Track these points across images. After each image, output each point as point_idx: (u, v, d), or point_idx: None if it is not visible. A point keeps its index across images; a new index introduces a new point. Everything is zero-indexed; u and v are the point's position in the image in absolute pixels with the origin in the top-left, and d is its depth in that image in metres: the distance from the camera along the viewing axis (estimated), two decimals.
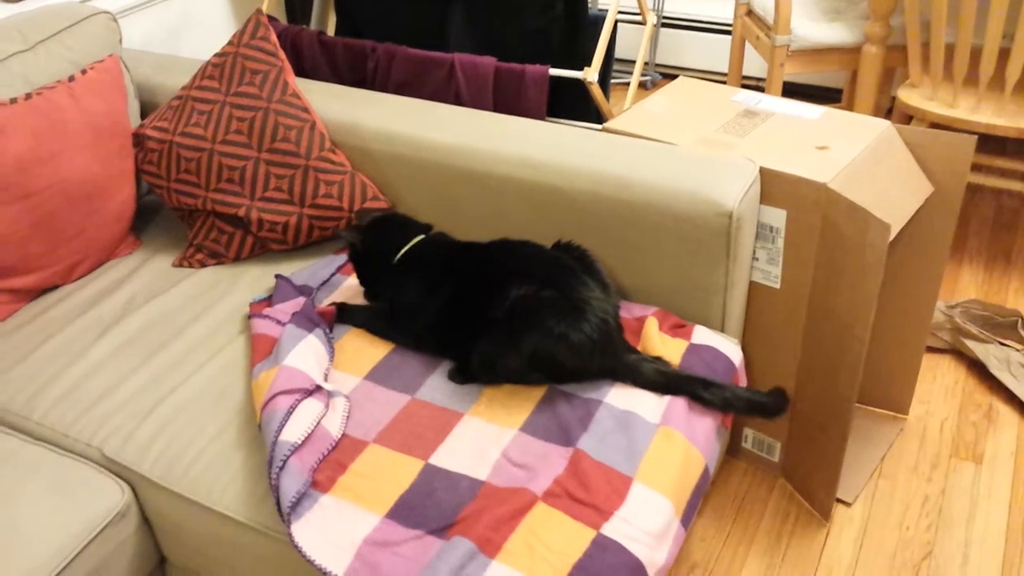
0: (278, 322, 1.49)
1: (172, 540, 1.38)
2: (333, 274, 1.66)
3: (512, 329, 1.34)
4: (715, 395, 1.36)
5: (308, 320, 1.46)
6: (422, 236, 1.52)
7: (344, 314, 1.53)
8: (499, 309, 1.35)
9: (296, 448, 1.22)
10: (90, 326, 1.58)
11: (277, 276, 1.63)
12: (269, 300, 1.58)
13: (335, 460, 1.26)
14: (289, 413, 1.26)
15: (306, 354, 1.38)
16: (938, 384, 2.05)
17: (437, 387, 1.39)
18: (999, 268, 2.41)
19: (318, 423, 1.28)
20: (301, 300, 1.55)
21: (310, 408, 1.29)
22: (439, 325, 1.44)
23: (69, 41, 1.79)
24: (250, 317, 1.54)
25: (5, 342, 1.57)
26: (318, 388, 1.33)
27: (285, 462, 1.20)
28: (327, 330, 1.47)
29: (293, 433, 1.24)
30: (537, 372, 1.36)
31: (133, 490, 1.36)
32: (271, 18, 2.04)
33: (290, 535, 1.15)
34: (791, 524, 1.73)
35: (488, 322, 1.36)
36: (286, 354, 1.37)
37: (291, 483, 1.19)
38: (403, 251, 1.49)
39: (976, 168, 2.61)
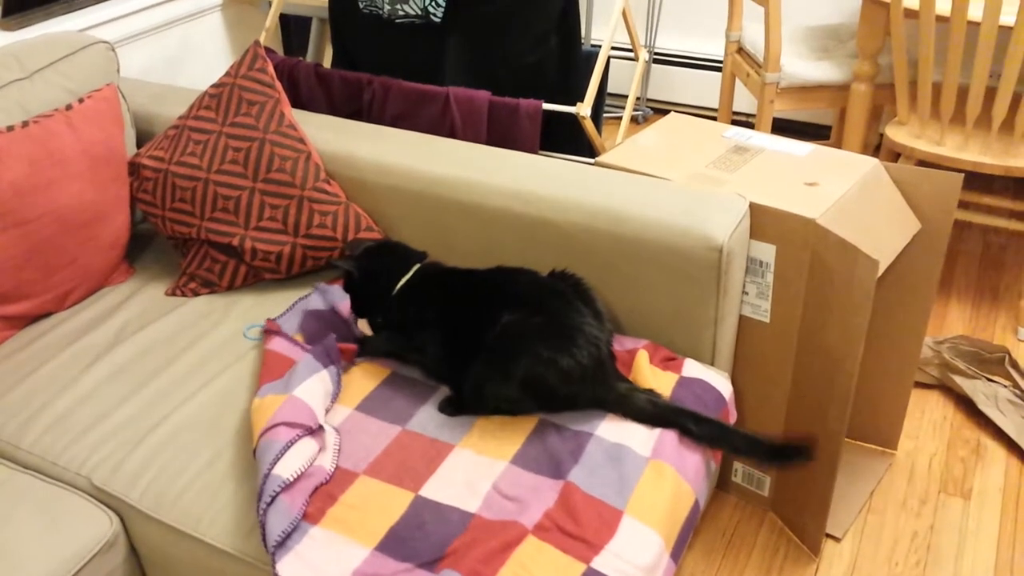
0: (294, 343, 1.49)
1: (160, 570, 1.37)
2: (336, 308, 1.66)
3: (502, 355, 1.35)
4: (704, 431, 1.37)
5: (327, 355, 1.45)
6: (418, 265, 1.52)
7: (366, 347, 1.53)
8: (490, 335, 1.36)
9: (287, 485, 1.22)
10: (82, 354, 1.58)
11: (299, 300, 1.65)
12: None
13: (325, 491, 1.25)
14: (287, 447, 1.26)
15: (316, 389, 1.38)
16: (926, 419, 2.06)
17: (428, 418, 1.39)
18: (986, 304, 2.44)
19: (311, 463, 1.27)
20: (324, 314, 1.57)
21: (307, 446, 1.28)
22: (440, 354, 1.45)
23: (67, 70, 1.81)
24: (265, 332, 1.54)
25: None
26: (319, 428, 1.33)
27: (275, 498, 1.20)
28: (340, 369, 1.47)
29: (287, 469, 1.23)
30: (528, 399, 1.37)
31: (121, 519, 1.35)
32: (268, 50, 2.06)
33: (275, 573, 1.15)
34: (780, 559, 1.73)
35: (479, 349, 1.37)
36: (298, 384, 1.37)
37: (278, 521, 1.18)
38: (403, 281, 1.49)
39: (963, 205, 2.64)
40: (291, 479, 1.22)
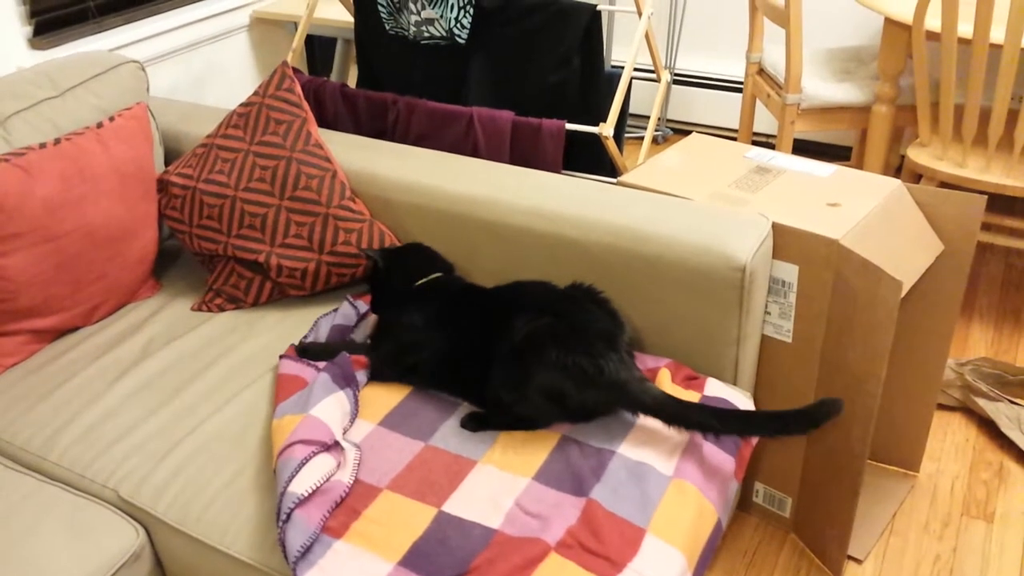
0: (308, 364, 1.51)
1: None
2: (358, 322, 1.68)
3: (520, 363, 1.36)
4: (730, 425, 1.34)
5: (343, 376, 1.47)
6: (440, 273, 1.56)
7: (371, 371, 1.54)
8: (506, 345, 1.37)
9: (302, 501, 1.23)
10: (109, 368, 1.60)
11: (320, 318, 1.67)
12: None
13: (349, 506, 1.26)
14: (302, 464, 1.27)
15: (333, 408, 1.39)
16: (949, 442, 2.05)
17: (451, 433, 1.40)
18: (1008, 326, 2.42)
19: (328, 479, 1.28)
20: (346, 329, 1.62)
21: (323, 462, 1.29)
22: (445, 362, 1.46)
23: (98, 88, 1.84)
24: (281, 358, 1.56)
25: (25, 382, 1.59)
26: (336, 444, 1.34)
27: (290, 514, 1.21)
28: (357, 389, 1.47)
29: (301, 485, 1.24)
30: (549, 405, 1.37)
31: (147, 532, 1.37)
32: (295, 70, 2.09)
33: None
34: None
35: (496, 360, 1.38)
36: (315, 403, 1.38)
37: (296, 536, 1.19)
38: (424, 280, 1.53)
39: (985, 227, 2.63)
40: (305, 495, 1.23)
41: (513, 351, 1.37)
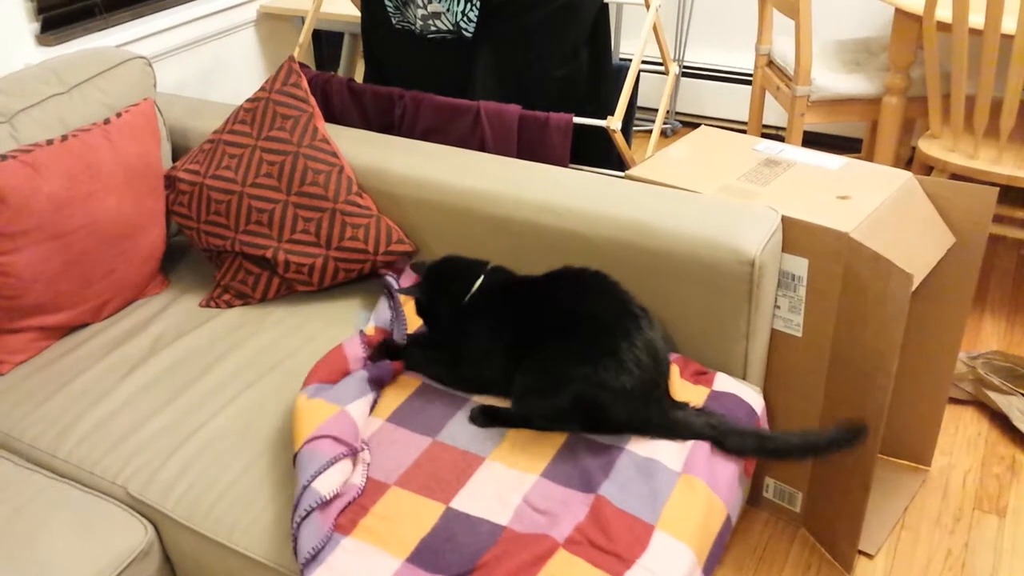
0: (364, 355, 1.50)
1: None
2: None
3: (557, 370, 1.34)
4: (769, 445, 1.36)
5: (376, 382, 1.46)
6: (482, 276, 1.49)
7: (408, 362, 1.52)
8: (546, 352, 1.36)
9: (324, 504, 1.22)
10: (117, 365, 1.61)
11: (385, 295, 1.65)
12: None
13: (357, 502, 1.26)
14: (330, 463, 1.26)
15: (363, 410, 1.39)
16: (960, 436, 2.03)
17: (459, 430, 1.40)
18: (1021, 319, 2.40)
19: (346, 482, 1.28)
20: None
21: (347, 467, 1.29)
22: (503, 365, 1.43)
23: (105, 85, 1.84)
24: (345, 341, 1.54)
25: (33, 379, 1.59)
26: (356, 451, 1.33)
27: (309, 513, 1.21)
28: (377, 396, 1.46)
29: (326, 486, 1.23)
30: (576, 418, 1.35)
31: (156, 528, 1.37)
32: (302, 65, 2.08)
33: None
34: None
35: (534, 364, 1.37)
36: (351, 400, 1.37)
37: (311, 536, 1.19)
38: (471, 293, 1.47)
39: (997, 219, 2.61)
40: (327, 497, 1.22)
41: (557, 356, 1.34)
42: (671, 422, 1.36)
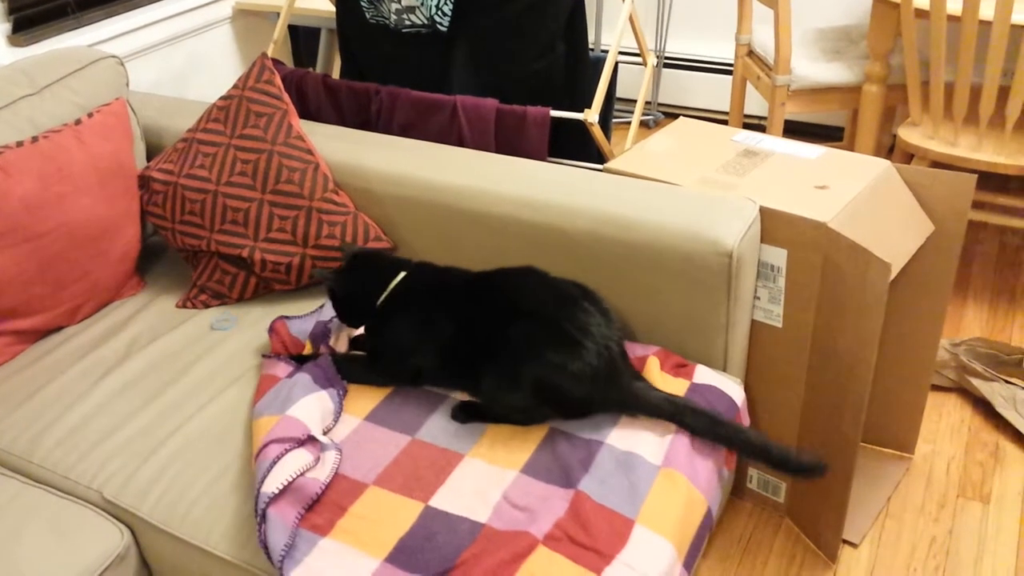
0: (288, 363, 1.49)
1: None
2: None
3: (512, 363, 1.34)
4: (722, 432, 1.35)
5: (326, 377, 1.45)
6: (403, 274, 1.49)
7: (340, 368, 1.49)
8: (498, 343, 1.36)
9: (273, 498, 1.21)
10: (92, 368, 1.59)
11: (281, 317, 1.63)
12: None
13: (334, 502, 1.25)
14: (273, 463, 1.25)
15: (312, 408, 1.37)
16: (944, 423, 2.03)
17: (438, 427, 1.39)
18: (1003, 306, 2.41)
19: (302, 473, 1.25)
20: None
21: (296, 458, 1.27)
22: (440, 362, 1.44)
23: (76, 85, 1.82)
24: (264, 357, 1.54)
25: (8, 384, 1.57)
26: (310, 439, 1.32)
27: (264, 513, 1.20)
28: (342, 391, 1.45)
29: (272, 483, 1.22)
30: (543, 405, 1.36)
31: (132, 533, 1.35)
32: (277, 62, 2.06)
33: None
34: (797, 566, 1.71)
35: (489, 356, 1.36)
36: (293, 403, 1.36)
37: (277, 536, 1.18)
38: (385, 295, 1.47)
39: (978, 206, 2.62)
40: (276, 491, 1.21)
41: (507, 353, 1.35)
42: (630, 395, 1.36)
